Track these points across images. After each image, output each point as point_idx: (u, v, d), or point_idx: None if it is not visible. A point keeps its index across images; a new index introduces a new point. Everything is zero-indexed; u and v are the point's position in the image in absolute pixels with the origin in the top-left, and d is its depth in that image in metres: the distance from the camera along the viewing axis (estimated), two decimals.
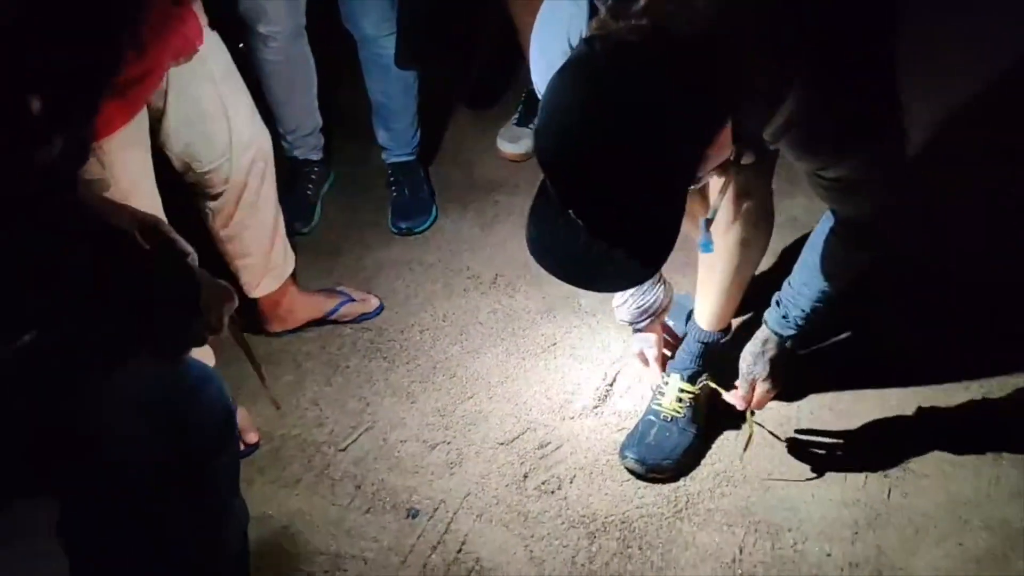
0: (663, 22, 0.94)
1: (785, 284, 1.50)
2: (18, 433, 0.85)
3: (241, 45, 1.48)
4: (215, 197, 1.65)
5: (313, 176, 2.23)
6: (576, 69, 0.97)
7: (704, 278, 1.65)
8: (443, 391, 1.83)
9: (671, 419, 1.68)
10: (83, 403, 0.86)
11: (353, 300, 1.98)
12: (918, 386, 1.75)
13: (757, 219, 1.54)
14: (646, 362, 1.75)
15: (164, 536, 1.02)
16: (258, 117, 1.67)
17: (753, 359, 1.56)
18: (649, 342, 1.73)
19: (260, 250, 1.79)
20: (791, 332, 1.51)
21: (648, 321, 1.71)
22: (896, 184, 1.29)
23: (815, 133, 1.15)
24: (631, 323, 1.72)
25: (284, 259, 1.87)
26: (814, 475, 1.63)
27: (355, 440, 1.75)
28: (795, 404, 1.74)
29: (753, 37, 0.98)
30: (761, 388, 1.58)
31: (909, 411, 1.72)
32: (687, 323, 1.78)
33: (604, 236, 0.98)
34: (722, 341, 1.70)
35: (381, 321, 1.98)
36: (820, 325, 1.51)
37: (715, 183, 1.44)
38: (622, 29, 0.94)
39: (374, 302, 2.00)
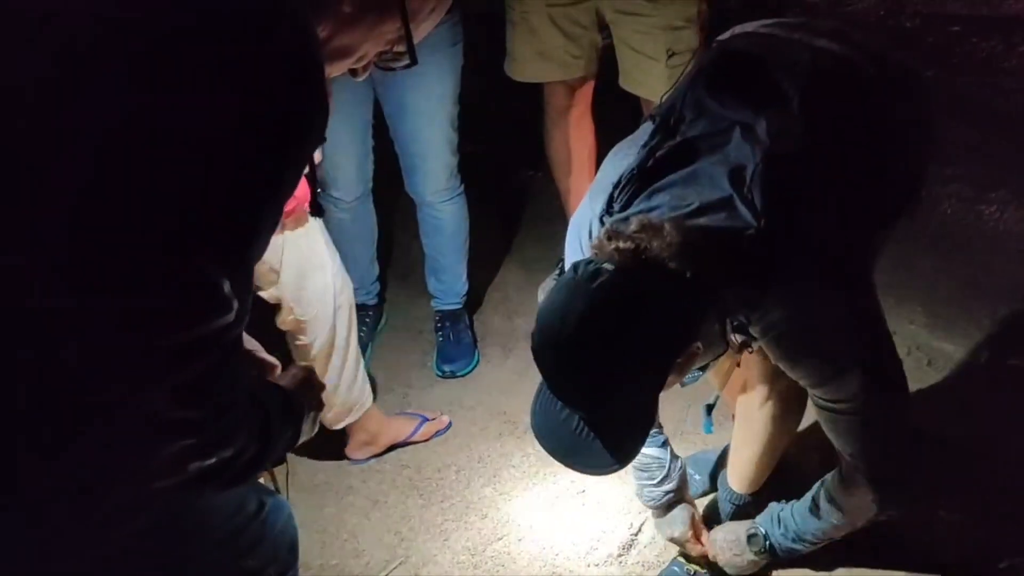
0: (642, 246, 1.14)
1: (789, 508, 1.58)
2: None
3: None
4: (308, 343, 1.84)
5: (367, 319, 2.40)
6: (563, 287, 1.18)
7: (738, 445, 1.73)
8: (474, 531, 1.91)
9: (693, 573, 1.74)
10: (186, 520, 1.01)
11: (428, 420, 2.13)
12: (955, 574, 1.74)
13: (789, 397, 1.61)
14: (696, 538, 1.72)
15: None
16: (343, 265, 1.88)
17: (728, 546, 1.66)
18: (688, 516, 1.72)
19: (344, 387, 1.95)
20: (784, 543, 1.59)
21: (672, 496, 1.70)
22: (889, 415, 1.37)
23: (791, 342, 1.28)
24: (657, 504, 1.71)
25: (364, 393, 2.02)
26: None
27: (389, 574, 1.83)
28: (821, 572, 1.77)
29: (718, 265, 1.16)
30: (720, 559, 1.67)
31: None
32: (715, 479, 1.86)
33: (584, 424, 1.15)
34: (751, 503, 1.76)
35: (419, 459, 2.09)
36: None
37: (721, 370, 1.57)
38: (607, 252, 1.15)
39: (445, 419, 2.16)
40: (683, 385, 1.29)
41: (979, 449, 1.98)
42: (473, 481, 2.03)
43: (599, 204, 1.29)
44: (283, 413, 1.04)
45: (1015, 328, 2.30)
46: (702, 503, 1.90)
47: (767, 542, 1.61)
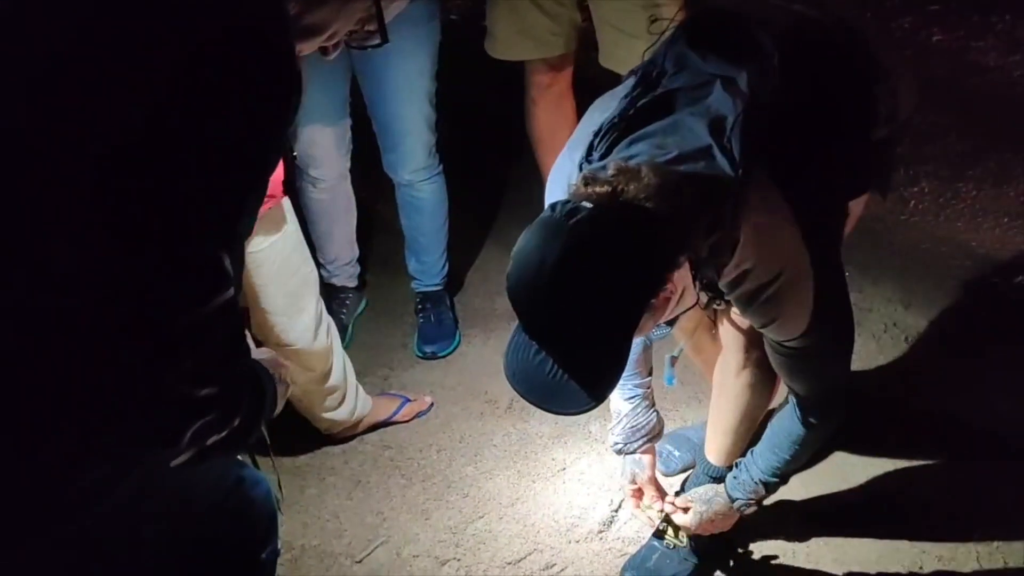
0: (619, 189, 1.14)
1: (748, 451, 1.62)
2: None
3: None
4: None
5: (348, 301, 2.40)
6: (539, 227, 1.17)
7: (714, 416, 1.73)
8: (456, 509, 1.92)
9: (673, 547, 1.75)
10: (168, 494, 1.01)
11: (410, 401, 2.13)
12: (926, 541, 1.78)
13: (765, 366, 1.59)
14: (637, 485, 1.74)
15: None
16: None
17: (703, 501, 1.66)
18: (641, 464, 1.73)
19: (339, 398, 1.96)
20: (739, 496, 1.62)
21: (640, 443, 1.71)
22: (840, 355, 1.42)
23: (760, 295, 1.29)
24: (624, 445, 1.71)
25: (360, 401, 2.02)
26: None
27: (370, 553, 1.83)
28: (795, 543, 1.80)
29: (694, 210, 1.17)
30: (695, 518, 1.66)
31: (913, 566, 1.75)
32: (696, 455, 1.87)
33: (557, 365, 1.15)
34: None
35: (401, 440, 2.09)
36: (769, 493, 1.62)
37: (686, 324, 1.57)
38: (583, 194, 1.15)
39: (427, 400, 2.16)
40: (650, 341, 1.30)
41: (956, 423, 2.01)
42: (454, 460, 2.04)
43: (579, 152, 1.29)
44: (268, 381, 1.05)
45: (990, 305, 2.33)
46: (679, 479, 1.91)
47: (733, 497, 1.63)
